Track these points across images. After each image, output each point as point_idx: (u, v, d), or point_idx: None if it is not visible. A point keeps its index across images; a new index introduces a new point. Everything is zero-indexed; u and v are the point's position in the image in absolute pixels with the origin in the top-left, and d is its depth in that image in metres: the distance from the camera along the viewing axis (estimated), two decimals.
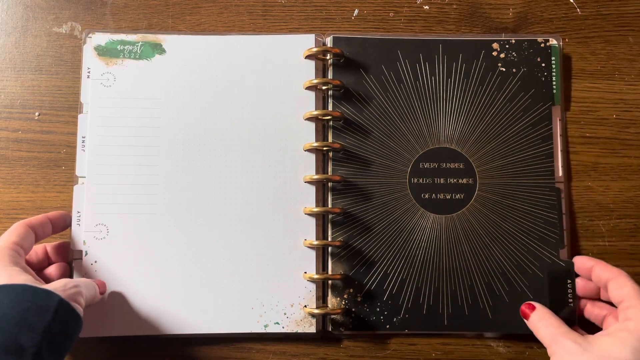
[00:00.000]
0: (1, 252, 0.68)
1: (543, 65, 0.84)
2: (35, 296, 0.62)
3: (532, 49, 0.84)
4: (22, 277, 0.65)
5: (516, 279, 0.80)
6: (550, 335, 0.70)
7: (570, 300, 0.78)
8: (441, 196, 0.82)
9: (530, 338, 0.77)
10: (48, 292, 0.63)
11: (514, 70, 0.84)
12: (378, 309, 0.79)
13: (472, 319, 0.80)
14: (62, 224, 0.79)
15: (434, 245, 0.81)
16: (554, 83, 0.84)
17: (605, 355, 0.64)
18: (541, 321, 0.73)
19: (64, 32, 0.86)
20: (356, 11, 0.87)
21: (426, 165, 0.82)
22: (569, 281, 0.79)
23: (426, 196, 0.82)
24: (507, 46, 0.84)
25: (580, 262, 0.78)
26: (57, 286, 0.66)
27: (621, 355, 0.63)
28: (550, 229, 0.81)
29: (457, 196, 0.82)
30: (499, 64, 0.84)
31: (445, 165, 0.82)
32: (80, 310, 0.67)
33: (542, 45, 0.84)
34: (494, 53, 0.84)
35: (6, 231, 0.72)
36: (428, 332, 0.80)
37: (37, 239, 0.75)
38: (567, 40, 0.86)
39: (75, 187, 0.80)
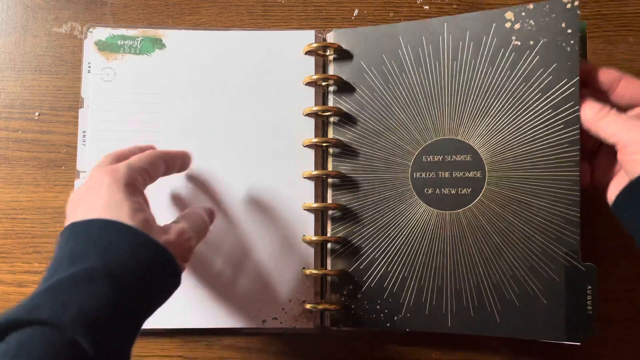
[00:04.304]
0: (130, 175, 0.65)
1: (569, 32, 0.72)
2: (155, 256, 0.59)
3: (555, 12, 0.73)
4: (140, 216, 0.61)
5: (528, 282, 0.75)
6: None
7: (590, 308, 0.72)
8: (446, 191, 0.78)
9: (540, 346, 0.80)
10: (168, 255, 0.60)
11: (532, 42, 0.74)
12: (378, 307, 0.79)
13: (478, 322, 0.76)
14: (185, 165, 0.78)
15: (438, 243, 0.78)
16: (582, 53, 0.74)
17: None
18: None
19: (64, 32, 0.89)
20: (356, 11, 0.89)
21: (430, 159, 0.79)
22: (589, 287, 0.72)
23: (429, 191, 0.79)
24: (523, 14, 0.75)
25: (607, 74, 0.71)
26: (172, 239, 0.62)
27: None
28: (570, 229, 0.73)
29: (464, 191, 0.78)
30: (513, 38, 0.75)
31: (451, 158, 0.78)
32: (184, 269, 0.64)
33: (569, 6, 0.73)
34: (507, 24, 0.75)
35: (140, 154, 0.70)
36: (430, 332, 0.79)
37: (162, 175, 0.73)
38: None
39: (76, 182, 0.83)
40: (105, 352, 0.52)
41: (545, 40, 0.74)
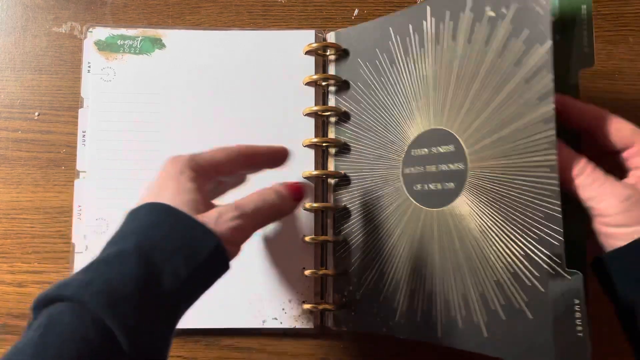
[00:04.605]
0: (187, 164, 0.64)
1: None
2: (189, 234, 0.57)
3: None
4: (184, 197, 0.60)
5: (513, 292, 0.62)
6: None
7: (580, 329, 0.57)
8: (432, 186, 0.70)
9: None
10: (206, 234, 0.58)
11: (504, 10, 0.64)
12: (375, 310, 0.76)
13: (466, 335, 0.67)
14: (278, 161, 0.74)
15: (427, 244, 0.71)
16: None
17: None
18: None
19: (63, 31, 0.89)
20: (356, 11, 0.89)
21: (418, 152, 0.72)
22: (576, 301, 0.57)
23: (418, 187, 0.72)
24: None
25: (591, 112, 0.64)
26: (210, 219, 0.59)
27: None
28: (551, 227, 0.59)
29: (448, 185, 0.69)
30: (487, 8, 0.65)
31: (436, 150, 0.70)
32: (232, 253, 0.61)
33: None
34: None
35: (218, 147, 0.68)
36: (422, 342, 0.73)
37: (250, 170, 0.73)
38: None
39: (76, 182, 0.83)
40: (129, 329, 0.51)
41: (516, 5, 0.63)
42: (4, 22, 0.90)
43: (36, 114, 0.87)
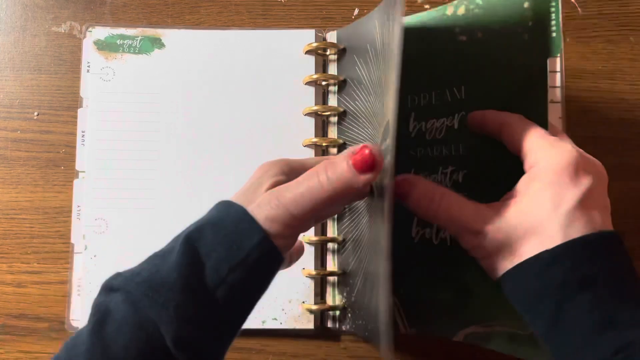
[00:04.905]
0: (271, 166, 0.59)
1: None
2: (234, 222, 0.53)
3: None
4: (247, 193, 0.57)
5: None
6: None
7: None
8: (385, 181, 0.56)
9: None
10: (253, 224, 0.52)
11: None
12: (362, 313, 0.74)
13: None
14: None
15: (378, 245, 0.60)
16: None
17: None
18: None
19: (62, 31, 0.89)
20: (356, 10, 0.89)
21: (383, 146, 0.60)
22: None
23: (380, 183, 0.59)
24: None
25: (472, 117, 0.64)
26: (253, 208, 0.54)
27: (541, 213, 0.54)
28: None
29: (385, 181, 0.56)
30: None
31: (387, 142, 0.58)
32: (283, 248, 0.55)
33: None
34: None
35: (311, 156, 0.62)
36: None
37: None
38: (568, 39, 0.87)
39: (75, 182, 0.83)
40: (168, 319, 0.50)
41: None
42: (3, 21, 0.90)
43: (35, 113, 0.87)
